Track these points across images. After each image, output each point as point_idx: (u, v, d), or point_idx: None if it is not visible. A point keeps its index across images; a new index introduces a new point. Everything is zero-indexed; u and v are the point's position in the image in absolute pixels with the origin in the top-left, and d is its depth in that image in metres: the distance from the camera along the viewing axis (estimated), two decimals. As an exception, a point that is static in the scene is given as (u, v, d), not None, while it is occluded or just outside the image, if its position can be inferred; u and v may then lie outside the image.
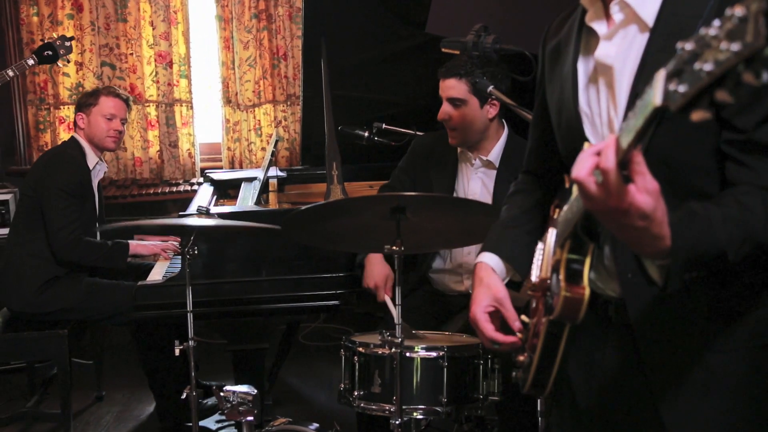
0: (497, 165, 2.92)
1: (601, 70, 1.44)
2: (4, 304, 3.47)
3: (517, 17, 4.91)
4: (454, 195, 2.94)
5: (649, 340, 1.42)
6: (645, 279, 1.28)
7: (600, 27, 1.45)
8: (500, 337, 1.59)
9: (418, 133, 3.55)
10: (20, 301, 3.40)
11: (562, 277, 1.37)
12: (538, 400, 2.48)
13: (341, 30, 3.60)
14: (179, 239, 3.62)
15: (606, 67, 1.43)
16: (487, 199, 2.90)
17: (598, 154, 1.12)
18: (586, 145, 1.38)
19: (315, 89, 3.63)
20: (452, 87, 2.84)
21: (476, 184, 2.95)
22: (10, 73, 3.67)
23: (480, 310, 1.61)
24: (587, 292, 1.37)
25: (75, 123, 3.64)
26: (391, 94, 3.94)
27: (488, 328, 1.59)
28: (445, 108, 2.88)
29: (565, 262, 1.39)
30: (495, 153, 2.92)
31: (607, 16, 1.44)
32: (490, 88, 2.68)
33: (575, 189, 1.42)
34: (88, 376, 4.05)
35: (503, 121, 2.96)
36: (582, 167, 1.15)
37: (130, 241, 3.56)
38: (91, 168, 3.57)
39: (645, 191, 1.11)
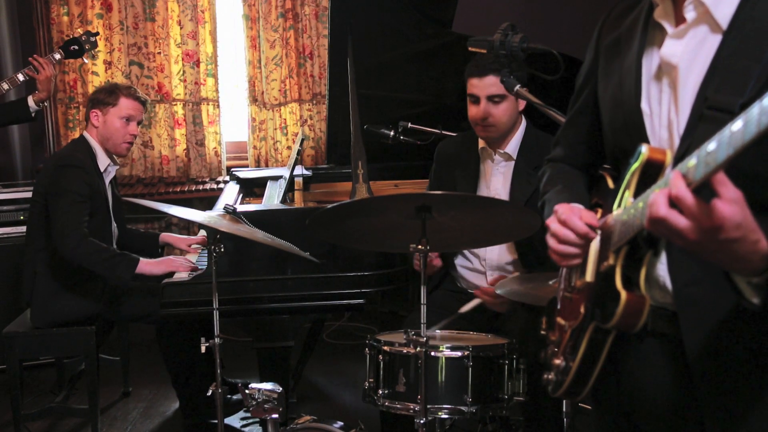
0: (515, 157, 2.92)
1: (665, 69, 1.39)
2: (30, 316, 3.42)
3: (544, 16, 4.89)
4: (478, 193, 2.94)
5: (700, 355, 1.36)
6: (746, 303, 1.23)
7: (669, 24, 1.39)
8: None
9: (444, 132, 3.54)
10: (38, 315, 3.34)
11: (619, 285, 1.35)
12: (564, 401, 2.47)
13: (367, 29, 3.60)
14: (204, 238, 3.62)
15: (670, 66, 1.37)
16: (508, 192, 2.90)
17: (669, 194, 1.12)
18: (643, 146, 1.34)
19: (341, 88, 3.64)
20: (493, 84, 2.81)
21: (498, 179, 2.95)
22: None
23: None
24: (648, 301, 1.35)
25: (87, 119, 3.48)
26: (417, 93, 3.94)
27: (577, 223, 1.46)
28: (484, 106, 2.84)
29: (620, 269, 1.37)
30: (513, 145, 2.92)
31: (677, 13, 1.39)
32: (517, 87, 2.67)
33: (626, 194, 1.38)
34: (115, 372, 4.09)
35: (521, 113, 2.97)
36: (659, 205, 1.13)
37: (141, 259, 3.22)
38: (102, 170, 3.43)
39: (731, 201, 1.08)
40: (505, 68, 2.72)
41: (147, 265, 3.21)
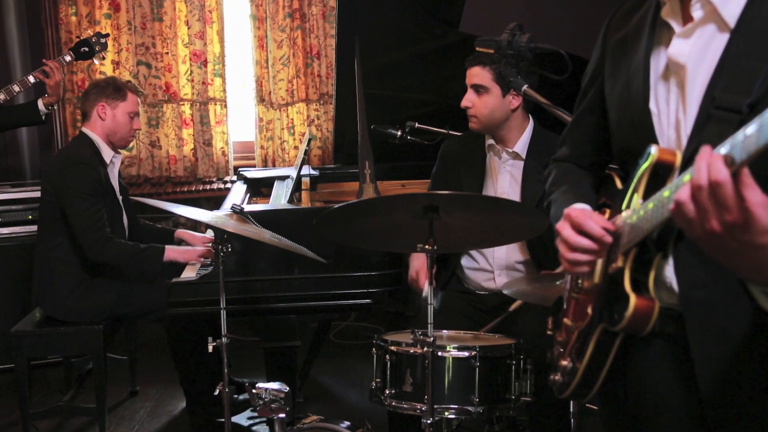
0: (524, 156, 2.91)
1: (673, 68, 1.39)
2: (41, 306, 3.46)
3: (552, 16, 4.88)
4: (484, 192, 2.94)
5: (706, 357, 1.35)
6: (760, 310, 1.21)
7: (676, 23, 1.39)
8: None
9: (451, 132, 3.54)
10: (55, 308, 3.38)
11: (628, 288, 1.35)
12: (571, 402, 2.47)
13: (374, 29, 3.60)
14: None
15: (678, 65, 1.37)
16: (517, 192, 2.90)
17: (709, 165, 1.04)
18: (653, 147, 1.34)
19: (348, 88, 3.64)
20: (476, 74, 2.89)
21: (505, 178, 2.94)
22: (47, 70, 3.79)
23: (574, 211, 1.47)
24: (657, 304, 1.34)
25: (85, 113, 3.48)
26: (424, 92, 3.94)
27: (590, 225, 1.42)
28: (469, 95, 2.92)
29: (629, 271, 1.36)
30: (521, 144, 2.93)
31: (685, 12, 1.38)
32: (525, 87, 2.67)
33: (635, 196, 1.38)
34: (123, 372, 4.10)
35: (529, 114, 2.96)
36: (701, 170, 1.05)
37: (167, 246, 3.36)
38: (108, 162, 3.46)
39: (759, 205, 1.03)
40: (512, 69, 2.73)
41: (173, 252, 3.34)
